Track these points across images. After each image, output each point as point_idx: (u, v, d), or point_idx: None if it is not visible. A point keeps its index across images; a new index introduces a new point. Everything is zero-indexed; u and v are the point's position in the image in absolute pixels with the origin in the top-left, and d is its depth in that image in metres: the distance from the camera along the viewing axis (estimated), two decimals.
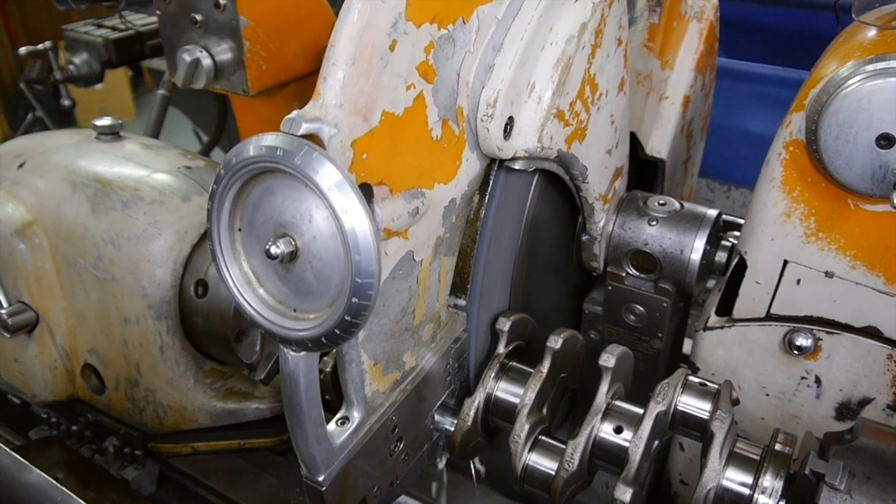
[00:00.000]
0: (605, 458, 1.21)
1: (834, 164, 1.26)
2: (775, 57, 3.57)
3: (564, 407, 1.77)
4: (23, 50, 2.68)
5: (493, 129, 1.08)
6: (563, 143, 1.22)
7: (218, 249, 0.90)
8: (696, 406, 1.20)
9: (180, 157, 1.68)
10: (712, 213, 1.52)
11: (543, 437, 1.25)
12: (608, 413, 1.21)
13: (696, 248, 1.48)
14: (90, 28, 2.64)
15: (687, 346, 2.18)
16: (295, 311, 0.91)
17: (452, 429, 1.26)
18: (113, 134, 1.72)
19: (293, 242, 0.86)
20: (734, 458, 1.14)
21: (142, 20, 2.71)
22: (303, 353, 0.93)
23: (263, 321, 0.91)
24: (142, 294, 1.50)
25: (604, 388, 1.21)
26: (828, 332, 1.42)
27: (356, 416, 1.08)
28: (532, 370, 1.26)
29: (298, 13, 1.84)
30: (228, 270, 0.91)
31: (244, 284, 0.91)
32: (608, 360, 1.22)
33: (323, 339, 0.87)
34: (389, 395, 1.14)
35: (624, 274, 1.56)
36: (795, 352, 1.46)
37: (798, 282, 1.42)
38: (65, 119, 4.24)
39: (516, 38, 1.09)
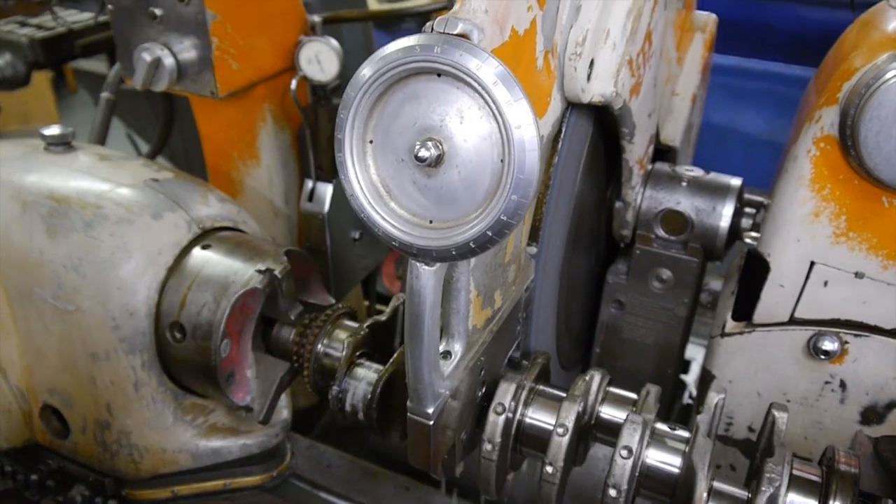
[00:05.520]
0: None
1: (874, 160, 1.20)
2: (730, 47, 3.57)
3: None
4: None
5: (579, 68, 1.10)
6: (627, 93, 1.24)
7: (349, 162, 0.86)
8: None
9: (145, 169, 1.50)
10: (737, 180, 1.58)
11: None
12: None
13: (726, 210, 1.54)
14: (13, 27, 2.41)
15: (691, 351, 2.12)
16: (431, 222, 0.86)
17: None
18: (64, 144, 1.53)
19: (441, 146, 0.82)
20: (794, 482, 1.06)
21: (74, 17, 2.49)
22: (436, 266, 0.89)
23: (399, 233, 0.86)
24: (112, 326, 1.32)
25: None
26: (855, 335, 1.37)
27: (458, 349, 1.06)
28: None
29: (269, 6, 1.68)
30: (360, 183, 0.86)
31: (376, 197, 0.87)
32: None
33: (472, 243, 0.83)
34: (482, 333, 1.12)
35: (653, 237, 1.60)
36: (821, 356, 1.40)
37: (825, 284, 1.36)
38: None
39: None
